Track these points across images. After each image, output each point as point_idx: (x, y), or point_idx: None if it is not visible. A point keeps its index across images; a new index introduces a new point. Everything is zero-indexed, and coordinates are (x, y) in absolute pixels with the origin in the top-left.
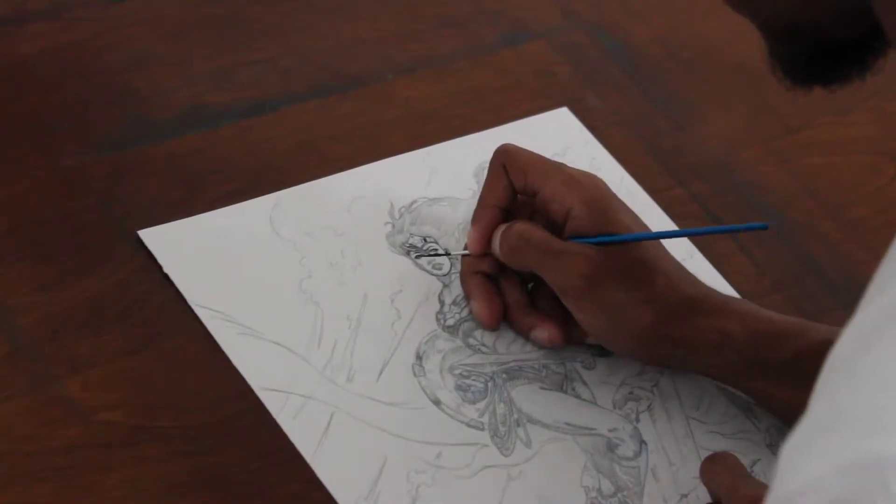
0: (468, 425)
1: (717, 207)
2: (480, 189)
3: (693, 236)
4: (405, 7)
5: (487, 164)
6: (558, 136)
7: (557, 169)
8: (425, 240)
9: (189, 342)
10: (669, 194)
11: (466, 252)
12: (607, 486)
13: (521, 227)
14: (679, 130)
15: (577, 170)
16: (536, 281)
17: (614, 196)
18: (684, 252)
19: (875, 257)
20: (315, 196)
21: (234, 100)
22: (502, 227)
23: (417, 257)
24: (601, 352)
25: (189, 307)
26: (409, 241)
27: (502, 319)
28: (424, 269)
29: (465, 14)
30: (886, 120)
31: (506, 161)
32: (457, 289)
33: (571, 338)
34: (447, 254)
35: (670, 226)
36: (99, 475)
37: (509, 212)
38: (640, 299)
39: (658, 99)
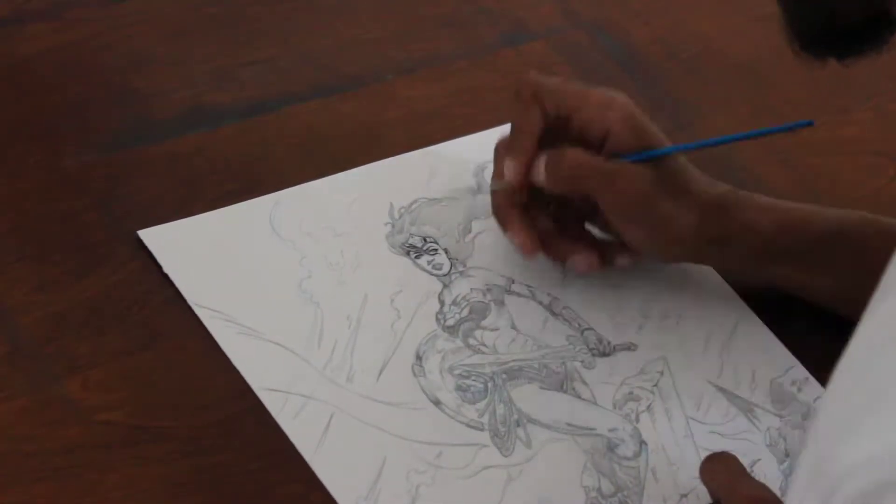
0: (468, 425)
1: None
2: (480, 189)
3: (734, 142)
4: (405, 7)
5: (487, 165)
6: None
7: (587, 92)
8: (425, 240)
9: (189, 342)
10: None
11: (504, 184)
12: (607, 486)
13: (574, 153)
14: (679, 130)
15: (603, 89)
16: (556, 212)
17: (643, 112)
18: None
19: None
20: (315, 196)
21: (234, 100)
22: (543, 156)
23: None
24: (601, 351)
25: (189, 307)
26: (409, 242)
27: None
28: (424, 269)
29: (465, 14)
30: (886, 120)
31: (536, 90)
32: (456, 289)
33: (603, 262)
34: (486, 193)
35: None
36: (99, 475)
37: (541, 143)
38: (685, 207)
39: (658, 99)
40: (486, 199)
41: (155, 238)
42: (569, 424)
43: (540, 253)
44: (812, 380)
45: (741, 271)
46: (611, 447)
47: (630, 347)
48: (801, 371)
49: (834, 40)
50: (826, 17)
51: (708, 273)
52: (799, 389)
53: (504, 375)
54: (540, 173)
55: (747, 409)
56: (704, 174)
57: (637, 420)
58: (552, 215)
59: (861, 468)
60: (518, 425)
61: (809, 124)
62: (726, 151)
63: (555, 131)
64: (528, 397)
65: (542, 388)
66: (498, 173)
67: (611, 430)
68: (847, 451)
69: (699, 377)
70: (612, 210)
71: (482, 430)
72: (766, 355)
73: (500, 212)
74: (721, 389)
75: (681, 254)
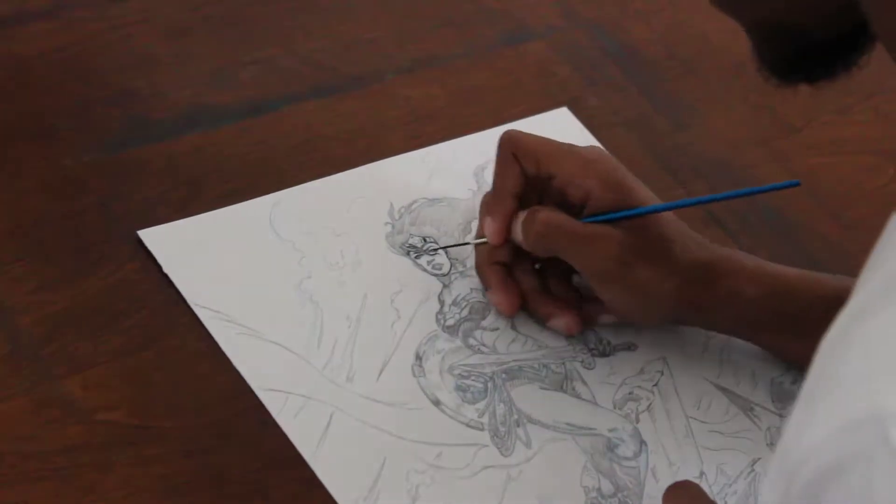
0: (468, 425)
1: (717, 207)
2: (480, 189)
3: (716, 202)
4: (405, 7)
5: (487, 165)
6: (558, 137)
7: (569, 151)
8: (425, 240)
9: (189, 342)
10: (669, 194)
11: (484, 240)
12: (607, 486)
13: (546, 214)
14: (679, 130)
15: (586, 148)
16: (544, 264)
17: (627, 171)
18: None
19: None
20: (315, 196)
21: (234, 100)
22: (522, 215)
23: (433, 251)
24: (601, 351)
25: (189, 307)
26: (409, 242)
27: (518, 309)
28: (424, 270)
29: (465, 14)
30: (886, 120)
31: (515, 149)
32: (456, 289)
33: (586, 322)
34: (465, 244)
35: None
36: (99, 475)
37: (522, 198)
38: (664, 273)
39: (658, 99)
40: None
41: (155, 238)
42: (569, 424)
43: (517, 312)
44: None
45: (727, 333)
46: (611, 447)
47: (630, 347)
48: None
49: (803, 64)
50: (794, 41)
51: None
52: (799, 388)
53: (504, 375)
54: (518, 232)
55: (747, 407)
56: (694, 235)
57: (637, 420)
58: (538, 271)
59: (812, 454)
60: (518, 425)
61: (796, 184)
62: (728, 154)
63: (539, 190)
64: (528, 397)
65: (542, 388)
66: (480, 230)
67: (611, 430)
68: (805, 434)
69: (699, 376)
70: (586, 272)
71: (482, 429)
72: (766, 354)
73: (481, 270)
74: (721, 388)
75: (661, 317)
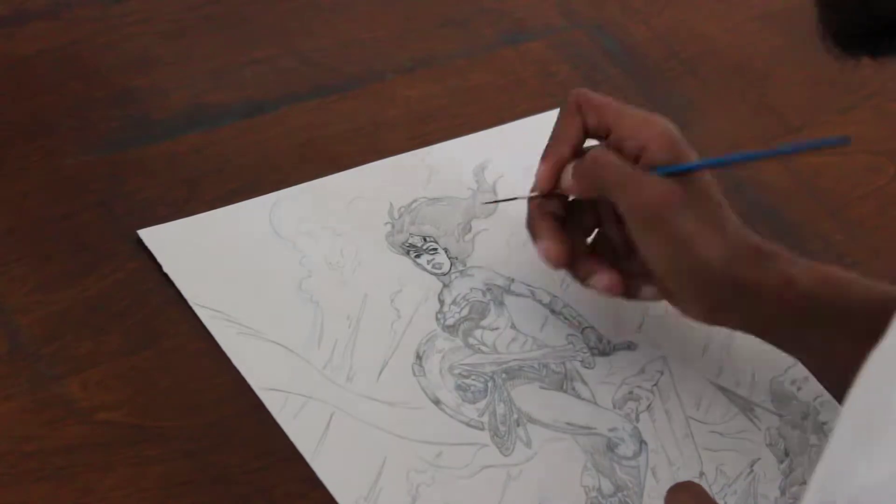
0: (468, 425)
1: None
2: (480, 188)
3: (771, 157)
4: (405, 7)
5: (487, 164)
6: None
7: (630, 109)
8: (425, 239)
9: (189, 342)
10: None
11: (535, 194)
12: (607, 486)
13: (596, 152)
14: (679, 130)
15: (648, 112)
16: (597, 236)
17: (684, 138)
18: None
19: (875, 257)
20: (315, 196)
21: (234, 100)
22: (573, 162)
23: (502, 200)
24: (601, 351)
25: (189, 307)
26: (409, 241)
27: (568, 262)
28: (424, 269)
29: (465, 14)
30: (886, 120)
31: (581, 101)
32: (456, 288)
33: (628, 292)
34: (515, 198)
35: None
36: (99, 475)
37: (577, 153)
38: (710, 232)
39: (658, 99)
40: (485, 199)
41: (155, 238)
42: (569, 424)
43: (566, 265)
44: (812, 379)
45: (772, 334)
46: (611, 447)
47: (630, 346)
48: (801, 370)
49: (871, 39)
50: (864, 13)
51: None
52: (799, 388)
53: (504, 375)
54: (568, 179)
55: (747, 408)
56: (743, 223)
57: (637, 419)
58: (589, 237)
59: (864, 494)
60: (518, 425)
61: (846, 142)
62: (726, 149)
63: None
64: (528, 397)
65: (542, 387)
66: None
67: (611, 430)
68: (855, 474)
69: (699, 376)
70: (628, 215)
71: (482, 429)
72: (766, 354)
73: (532, 221)
74: (721, 389)
75: (701, 296)
